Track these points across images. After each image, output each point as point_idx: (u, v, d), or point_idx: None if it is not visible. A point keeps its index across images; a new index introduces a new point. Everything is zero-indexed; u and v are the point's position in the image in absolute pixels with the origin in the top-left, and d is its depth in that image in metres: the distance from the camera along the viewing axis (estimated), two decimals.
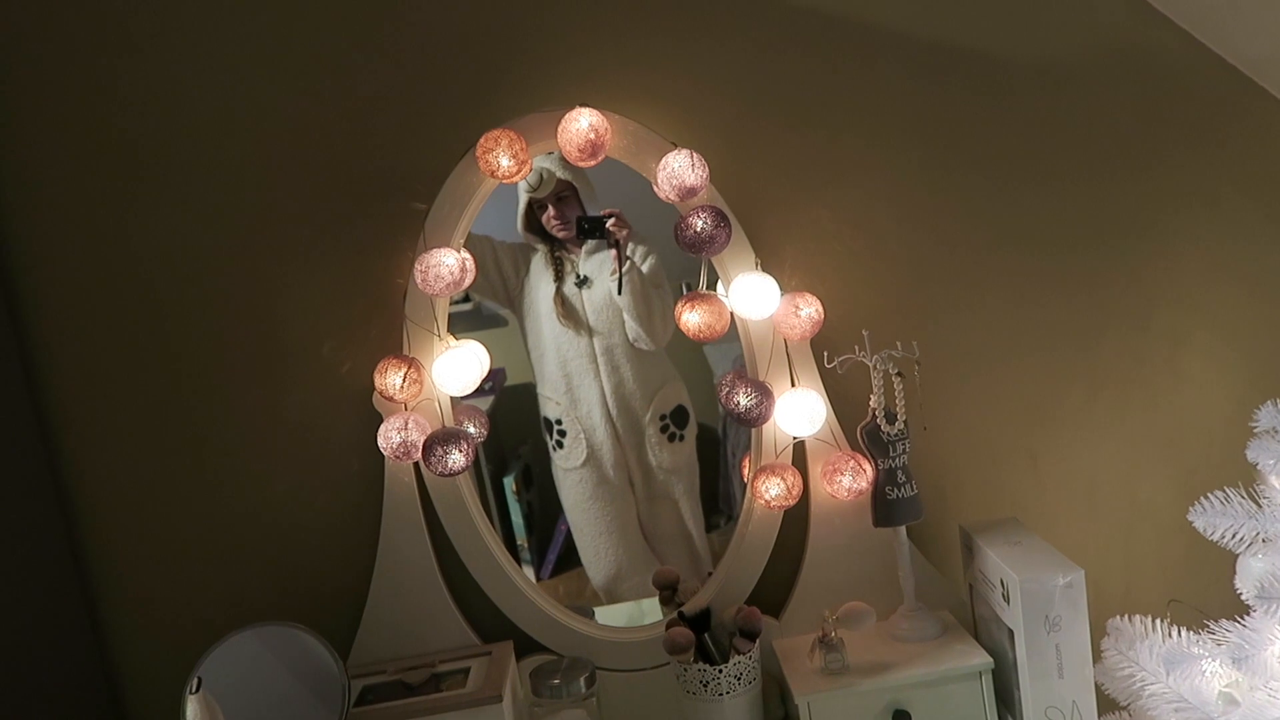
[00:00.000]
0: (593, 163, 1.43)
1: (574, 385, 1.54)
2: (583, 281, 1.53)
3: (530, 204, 1.51)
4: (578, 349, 1.53)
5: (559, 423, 1.55)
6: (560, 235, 1.52)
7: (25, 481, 1.46)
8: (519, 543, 1.61)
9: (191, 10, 1.45)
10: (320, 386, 1.52)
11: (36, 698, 1.40)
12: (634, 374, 1.54)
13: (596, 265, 1.53)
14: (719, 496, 1.60)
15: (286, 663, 1.31)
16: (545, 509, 1.60)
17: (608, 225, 1.50)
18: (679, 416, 1.56)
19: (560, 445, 1.56)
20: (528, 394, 1.57)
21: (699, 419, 1.59)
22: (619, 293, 1.51)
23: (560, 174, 1.48)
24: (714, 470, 1.60)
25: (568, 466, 1.57)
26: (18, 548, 1.41)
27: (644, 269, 1.52)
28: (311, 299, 1.51)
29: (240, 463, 1.54)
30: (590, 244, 1.53)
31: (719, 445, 1.61)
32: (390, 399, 1.41)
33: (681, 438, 1.57)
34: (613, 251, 1.51)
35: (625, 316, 1.51)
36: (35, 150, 1.46)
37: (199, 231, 1.49)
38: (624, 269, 1.50)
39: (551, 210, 1.51)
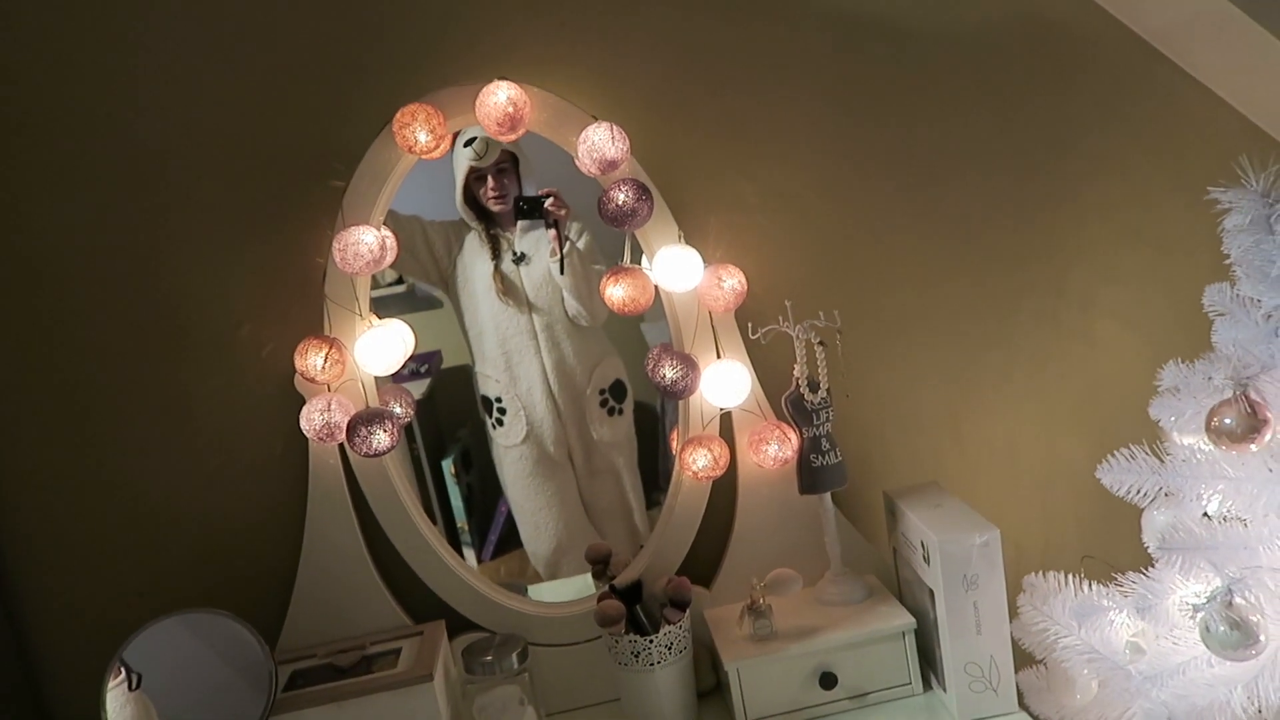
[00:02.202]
0: (513, 137, 1.42)
1: (514, 362, 1.53)
2: (520, 259, 1.51)
3: (468, 178, 1.49)
4: (517, 326, 1.52)
5: (499, 400, 1.55)
6: (496, 209, 1.51)
7: None
8: (459, 526, 1.60)
9: None
10: (240, 370, 1.49)
11: None
12: (574, 349, 1.54)
13: (533, 242, 1.52)
14: (659, 473, 1.61)
15: (214, 649, 1.29)
16: (485, 491, 1.59)
17: (546, 205, 1.49)
18: (617, 390, 1.57)
19: (500, 423, 1.56)
20: (464, 376, 1.56)
21: (638, 397, 1.59)
22: (560, 273, 1.50)
23: (505, 145, 1.47)
24: (653, 447, 1.61)
25: (508, 444, 1.56)
26: None
27: (580, 245, 1.51)
28: (228, 280, 1.48)
29: (160, 449, 1.50)
30: (525, 222, 1.51)
31: (658, 422, 1.61)
32: (312, 380, 1.39)
33: (620, 411, 1.57)
34: (551, 231, 1.50)
35: (565, 295, 1.51)
36: None
37: (106, 211, 1.45)
38: (564, 250, 1.49)
39: (491, 182, 1.49)
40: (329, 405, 1.38)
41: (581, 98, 1.45)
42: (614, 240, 1.51)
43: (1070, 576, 1.35)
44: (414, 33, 1.46)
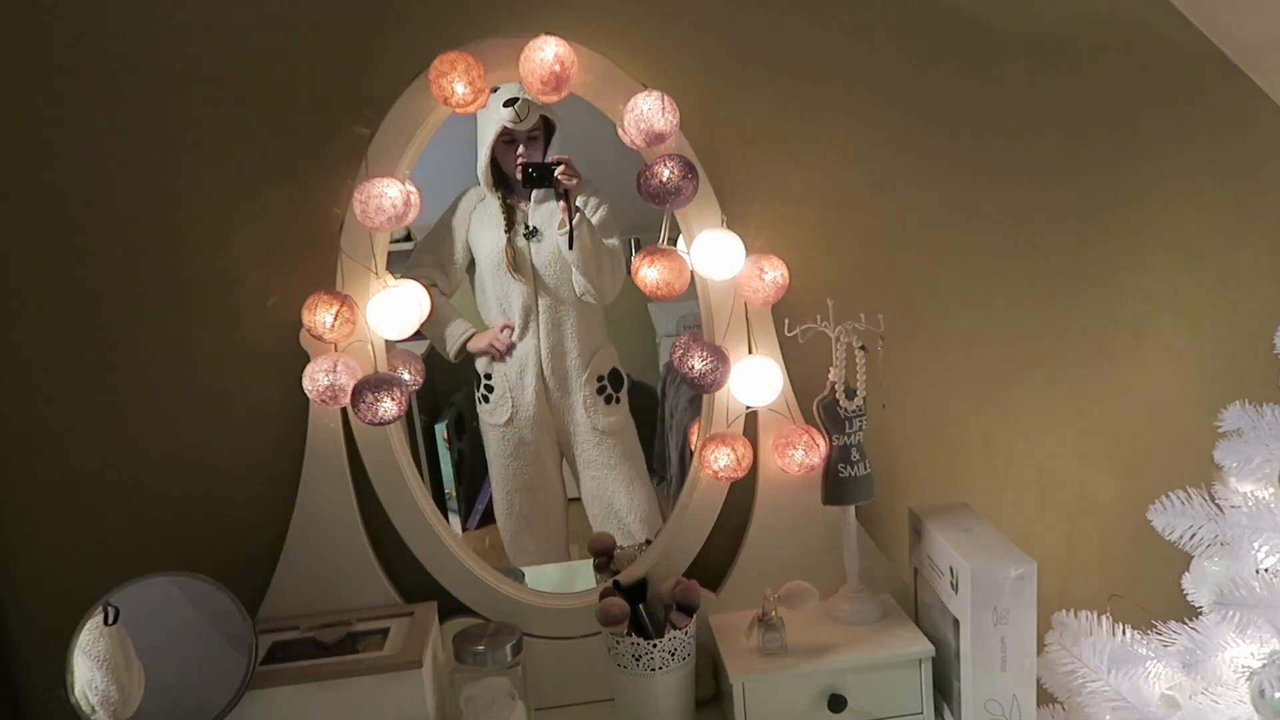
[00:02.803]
0: (555, 98, 1.32)
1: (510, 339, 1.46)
2: (532, 233, 1.44)
3: (498, 139, 1.41)
4: (521, 303, 1.45)
5: (488, 377, 1.49)
6: (519, 177, 1.42)
7: None
8: (447, 492, 1.54)
9: None
10: (243, 320, 1.41)
11: None
12: (574, 332, 1.47)
13: (545, 216, 1.44)
14: (653, 456, 1.55)
15: (198, 610, 1.22)
16: (475, 459, 1.53)
17: (556, 174, 1.40)
18: (615, 379, 1.51)
19: (486, 400, 1.49)
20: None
21: (638, 377, 1.53)
22: (569, 246, 1.41)
23: (544, 111, 1.39)
24: (650, 430, 1.55)
25: (492, 422, 1.50)
26: None
27: (594, 220, 1.43)
28: (237, 224, 1.39)
29: (150, 397, 1.42)
30: (539, 193, 1.44)
31: (657, 405, 1.55)
32: (319, 338, 1.30)
33: (618, 400, 1.51)
34: (561, 203, 1.41)
35: (574, 270, 1.43)
36: None
37: (112, 147, 1.36)
38: (573, 222, 1.41)
39: (521, 149, 1.41)
40: (335, 366, 1.29)
41: (632, 63, 1.36)
42: (632, 214, 1.44)
43: (1101, 617, 1.28)
44: None
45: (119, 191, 1.37)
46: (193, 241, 1.39)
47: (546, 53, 1.28)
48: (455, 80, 1.28)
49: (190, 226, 1.39)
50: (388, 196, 1.28)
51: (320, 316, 1.29)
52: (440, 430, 1.52)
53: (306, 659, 1.26)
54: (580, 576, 1.52)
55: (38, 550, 1.45)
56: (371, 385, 1.28)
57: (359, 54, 1.37)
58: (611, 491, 1.53)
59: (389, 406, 1.28)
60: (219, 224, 1.39)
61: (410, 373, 1.42)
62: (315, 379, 1.29)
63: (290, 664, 1.25)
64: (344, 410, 1.36)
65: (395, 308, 1.31)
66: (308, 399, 1.33)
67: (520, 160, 1.42)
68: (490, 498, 1.54)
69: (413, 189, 1.33)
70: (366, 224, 1.29)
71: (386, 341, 1.37)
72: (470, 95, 1.29)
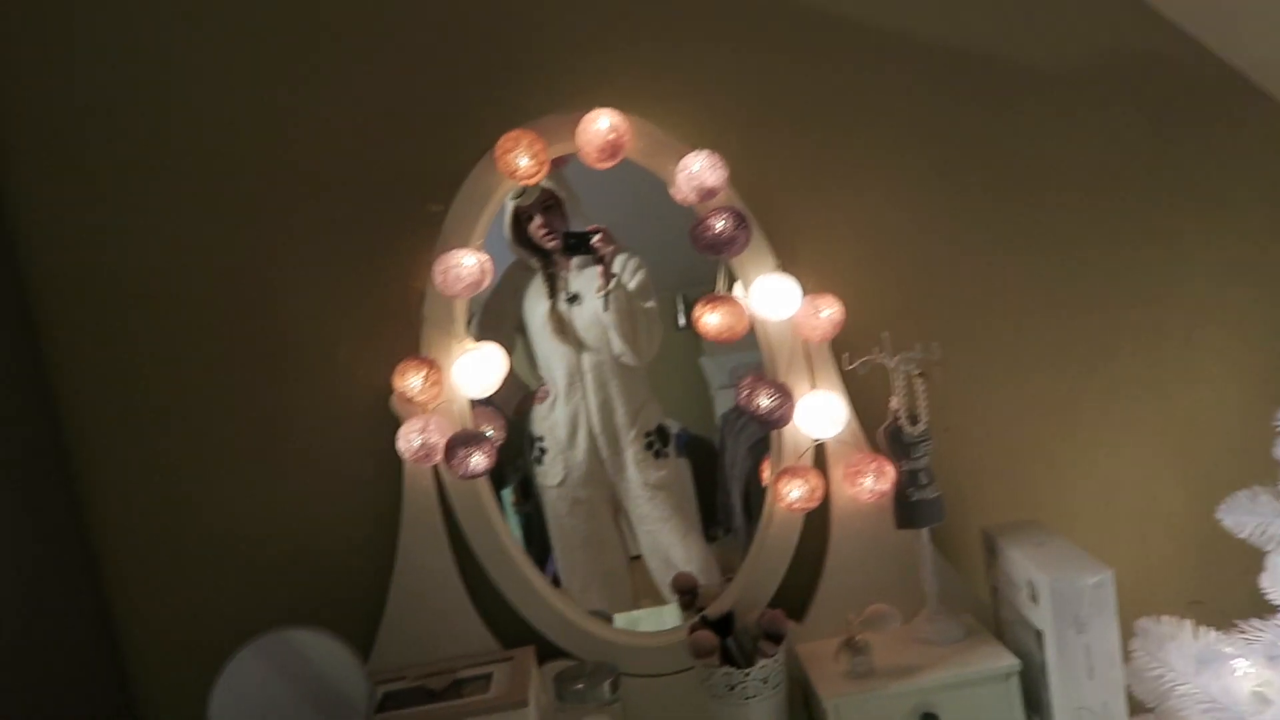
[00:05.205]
0: (611, 164, 1.42)
1: (559, 402, 1.53)
2: (573, 298, 1.52)
3: (516, 217, 1.51)
4: (568, 365, 1.53)
5: (540, 440, 1.55)
6: (549, 246, 1.52)
7: (38, 492, 1.43)
8: None
9: (203, 10, 1.44)
10: (335, 390, 1.50)
11: (53, 710, 1.36)
12: (619, 390, 1.53)
13: (586, 281, 1.53)
14: (717, 508, 1.60)
15: (311, 663, 1.29)
16: (542, 521, 1.59)
17: (593, 241, 1.49)
18: (662, 434, 1.57)
19: (540, 462, 1.56)
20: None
21: (694, 431, 1.59)
22: (605, 309, 1.50)
23: (544, 183, 1.48)
24: (711, 483, 1.60)
25: (547, 484, 1.57)
26: (32, 561, 1.38)
27: (631, 285, 1.52)
28: (326, 302, 1.50)
29: (252, 469, 1.51)
30: (579, 259, 1.52)
31: (716, 458, 1.60)
32: (410, 401, 1.40)
33: (667, 454, 1.57)
34: (599, 268, 1.50)
35: (610, 332, 1.51)
36: (44, 148, 1.44)
37: (211, 234, 1.47)
38: (609, 285, 1.50)
39: (539, 219, 1.51)
40: (426, 426, 1.38)
41: (680, 126, 1.46)
42: (676, 271, 1.52)
43: (1184, 621, 1.30)
44: (509, 63, 1.47)
45: (218, 279, 1.48)
46: (287, 322, 1.49)
47: (602, 124, 1.38)
48: (519, 155, 1.39)
49: (284, 308, 1.49)
50: (465, 265, 1.38)
51: (410, 380, 1.38)
52: (507, 495, 1.58)
53: (417, 705, 1.32)
54: (665, 618, 1.56)
55: (157, 621, 1.53)
56: (462, 441, 1.36)
57: (426, 140, 1.47)
58: (667, 545, 1.58)
59: (480, 460, 1.36)
60: (310, 302, 1.49)
61: (494, 429, 1.50)
62: (409, 439, 1.38)
63: (403, 710, 1.31)
64: (435, 468, 1.44)
65: (478, 368, 1.40)
66: (399, 460, 1.42)
67: (542, 229, 1.51)
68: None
69: (486, 257, 1.43)
70: (447, 292, 1.39)
71: (470, 400, 1.46)
72: (534, 167, 1.40)
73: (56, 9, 1.42)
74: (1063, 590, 1.24)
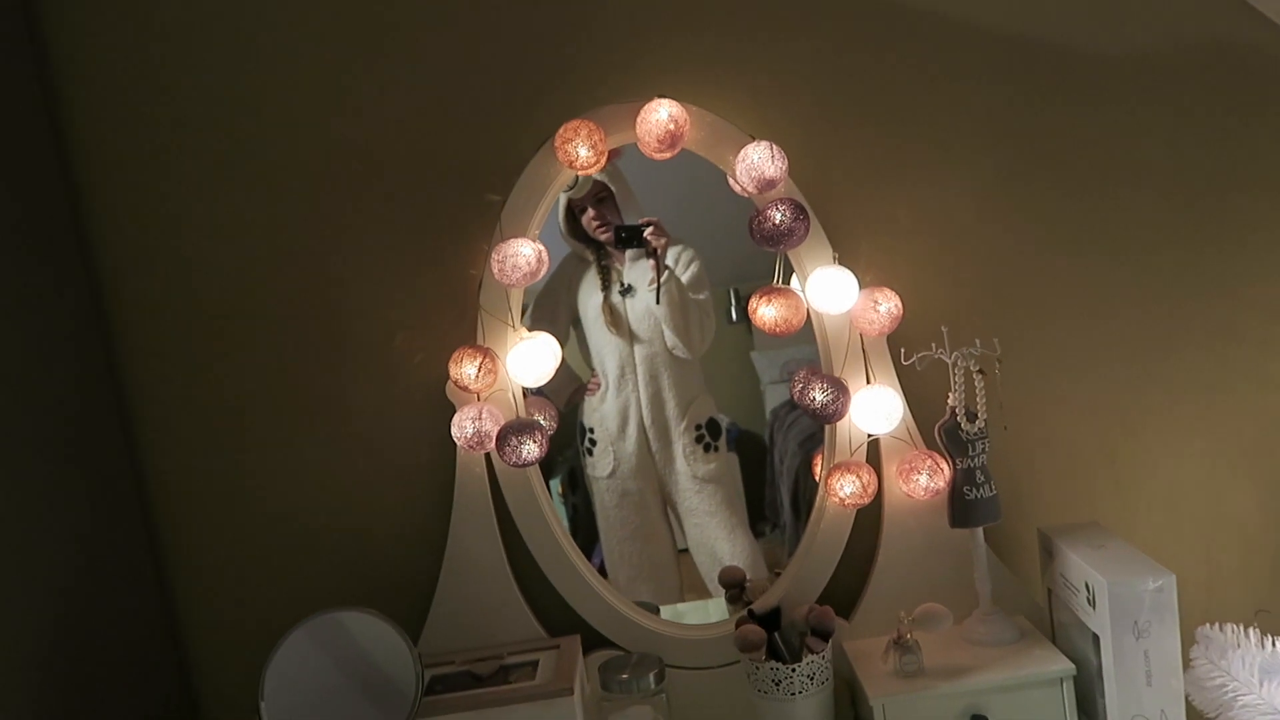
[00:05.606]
0: (670, 154, 1.42)
1: (610, 394, 1.54)
2: (627, 290, 1.52)
3: (570, 209, 1.51)
4: (620, 357, 1.53)
5: (591, 431, 1.56)
6: (602, 238, 1.52)
7: (101, 471, 1.47)
8: None
9: (262, 5, 1.46)
10: (392, 377, 1.53)
11: (112, 692, 1.41)
12: (671, 383, 1.53)
13: (640, 273, 1.53)
14: (765, 504, 1.59)
15: (363, 645, 1.31)
16: (590, 512, 1.60)
17: (645, 234, 1.49)
18: (713, 428, 1.56)
19: (590, 453, 1.56)
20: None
21: (744, 426, 1.58)
22: (657, 302, 1.50)
23: (597, 176, 1.48)
24: (761, 479, 1.59)
25: (597, 475, 1.57)
26: (94, 539, 1.43)
27: (685, 277, 1.52)
28: (384, 290, 1.52)
29: (310, 453, 1.54)
30: (633, 253, 1.53)
31: (765, 453, 1.59)
32: (465, 389, 1.41)
33: (716, 448, 1.56)
34: (651, 261, 1.50)
35: (662, 325, 1.51)
36: (112, 144, 1.48)
37: (272, 225, 1.50)
38: (662, 278, 1.50)
39: (591, 212, 1.51)
40: (480, 414, 1.40)
41: (739, 116, 1.45)
42: (730, 265, 1.51)
43: (1249, 630, 1.26)
44: (568, 54, 1.47)
45: (279, 262, 1.51)
46: (347, 310, 1.51)
47: (661, 114, 1.38)
48: (579, 145, 1.39)
49: (344, 293, 1.51)
50: (522, 255, 1.39)
51: (465, 369, 1.39)
52: (555, 486, 1.59)
53: (464, 690, 1.34)
54: (711, 612, 1.56)
55: (216, 603, 1.57)
56: (515, 430, 1.38)
57: (485, 131, 1.48)
58: (714, 539, 1.57)
59: (531, 449, 1.37)
60: (369, 290, 1.51)
61: (546, 418, 1.51)
62: (463, 426, 1.39)
63: (450, 694, 1.33)
64: (487, 456, 1.46)
65: (533, 357, 1.41)
66: (453, 447, 1.44)
67: (595, 221, 1.51)
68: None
69: (543, 247, 1.44)
70: (504, 282, 1.40)
71: (524, 389, 1.47)
72: (593, 158, 1.40)
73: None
74: (1121, 594, 1.21)
